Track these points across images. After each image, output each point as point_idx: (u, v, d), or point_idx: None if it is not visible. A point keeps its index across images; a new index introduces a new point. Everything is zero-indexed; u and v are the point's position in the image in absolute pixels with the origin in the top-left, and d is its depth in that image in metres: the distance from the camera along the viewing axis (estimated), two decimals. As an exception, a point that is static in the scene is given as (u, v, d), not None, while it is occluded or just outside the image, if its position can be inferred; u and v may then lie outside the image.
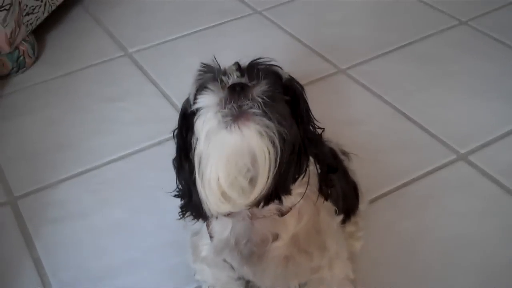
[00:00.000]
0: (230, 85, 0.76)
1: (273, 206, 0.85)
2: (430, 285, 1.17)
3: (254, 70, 0.79)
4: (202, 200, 0.79)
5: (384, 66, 1.79)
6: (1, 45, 1.72)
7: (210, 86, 0.78)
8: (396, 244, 1.26)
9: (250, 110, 0.74)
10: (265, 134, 0.73)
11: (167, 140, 1.53)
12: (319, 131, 0.89)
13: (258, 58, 0.82)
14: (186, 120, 0.81)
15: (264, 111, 0.74)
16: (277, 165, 0.75)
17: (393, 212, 1.33)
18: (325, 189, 0.90)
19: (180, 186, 0.88)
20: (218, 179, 0.76)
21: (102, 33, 2.03)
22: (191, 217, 0.89)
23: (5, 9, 1.67)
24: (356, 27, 1.99)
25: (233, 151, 0.74)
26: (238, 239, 0.91)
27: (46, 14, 1.90)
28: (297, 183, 0.84)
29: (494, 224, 1.29)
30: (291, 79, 0.84)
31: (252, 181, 0.77)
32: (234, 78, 0.78)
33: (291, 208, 0.87)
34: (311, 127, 0.87)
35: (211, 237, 0.94)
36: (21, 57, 1.80)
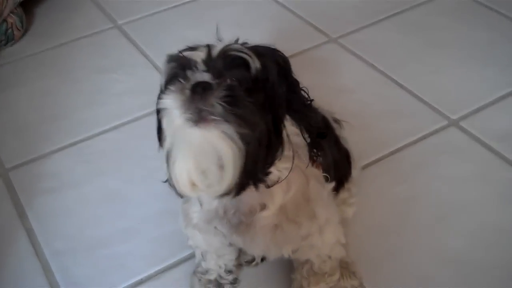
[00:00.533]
0: (193, 86, 0.75)
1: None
2: (421, 249, 1.18)
3: (221, 61, 0.78)
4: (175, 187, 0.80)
5: (376, 34, 1.79)
6: (-11, 17, 1.71)
7: (174, 84, 0.77)
8: (388, 209, 1.27)
9: (209, 116, 0.73)
10: (226, 136, 0.74)
11: (159, 110, 1.53)
12: (309, 101, 0.89)
13: (233, 43, 0.81)
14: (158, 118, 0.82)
15: (223, 116, 0.73)
16: (243, 162, 0.76)
17: (385, 178, 1.34)
18: (315, 153, 0.90)
19: None
20: (187, 173, 0.77)
21: (91, 5, 2.01)
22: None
23: (-8, -19, 1.66)
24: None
25: (198, 151, 0.75)
26: (226, 209, 0.91)
27: (34, -14, 1.88)
28: (279, 160, 0.83)
29: (486, 189, 1.30)
30: (263, 68, 0.80)
31: (220, 176, 0.77)
32: (199, 73, 0.77)
33: (278, 181, 0.87)
34: (298, 97, 0.86)
35: (201, 204, 0.95)
36: (9, 30, 1.78)
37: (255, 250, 1.04)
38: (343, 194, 1.21)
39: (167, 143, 0.78)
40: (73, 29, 1.90)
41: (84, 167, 1.41)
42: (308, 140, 0.87)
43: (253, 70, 0.78)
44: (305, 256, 1.06)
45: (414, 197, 1.29)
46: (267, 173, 0.83)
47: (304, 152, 0.89)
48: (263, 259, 1.18)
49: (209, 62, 0.78)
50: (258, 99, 0.77)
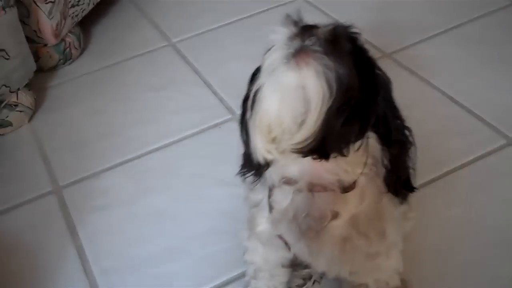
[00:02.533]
0: (302, 25, 0.75)
1: (331, 176, 0.82)
2: (474, 275, 1.13)
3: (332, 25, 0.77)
4: (250, 140, 0.78)
5: (431, 50, 1.73)
6: (48, 37, 1.75)
7: (284, 22, 0.76)
8: (442, 231, 1.22)
9: (312, 47, 0.72)
10: (322, 72, 0.71)
11: (208, 128, 1.54)
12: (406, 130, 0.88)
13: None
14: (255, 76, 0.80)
15: (325, 50, 0.72)
16: (329, 107, 0.72)
17: (440, 199, 1.29)
18: (398, 190, 0.88)
19: (242, 138, 0.84)
20: (269, 116, 0.74)
21: (146, 24, 2.04)
22: (245, 171, 0.87)
23: (51, 2, 1.70)
24: (400, 10, 1.93)
25: (289, 87, 0.72)
26: (297, 211, 0.88)
27: (91, 6, 1.92)
28: (355, 157, 0.80)
29: (546, 212, 1.23)
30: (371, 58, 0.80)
31: (302, 123, 0.73)
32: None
33: (354, 186, 0.84)
34: (394, 118, 0.84)
35: (271, 208, 0.93)
36: (68, 49, 1.83)
37: (319, 261, 0.98)
38: (402, 208, 1.17)
39: (258, 82, 0.75)
40: (129, 48, 1.93)
41: (133, 185, 1.42)
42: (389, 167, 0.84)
43: (359, 42, 0.77)
44: (364, 279, 1.02)
45: (469, 220, 1.23)
46: (342, 148, 0.77)
47: (381, 169, 0.86)
48: (314, 283, 1.15)
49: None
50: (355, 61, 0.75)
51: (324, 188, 0.84)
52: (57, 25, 1.75)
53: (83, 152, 1.55)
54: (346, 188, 0.84)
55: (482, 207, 1.25)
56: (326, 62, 0.71)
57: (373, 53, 1.71)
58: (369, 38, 1.80)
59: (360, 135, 0.77)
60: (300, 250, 0.95)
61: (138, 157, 1.50)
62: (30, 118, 1.67)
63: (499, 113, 1.48)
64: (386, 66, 1.67)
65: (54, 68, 1.84)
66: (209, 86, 1.70)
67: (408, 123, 1.45)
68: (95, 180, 1.45)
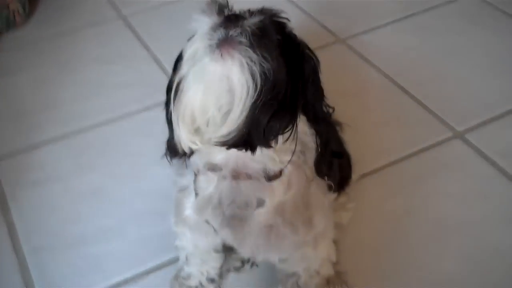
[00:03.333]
0: (227, 15, 0.72)
1: (257, 165, 0.81)
2: (412, 268, 1.12)
3: (259, 12, 0.74)
4: (174, 130, 0.76)
5: (386, 37, 1.72)
6: (-10, 1, 1.68)
7: (207, 10, 0.74)
8: (382, 223, 1.21)
9: (236, 38, 0.69)
10: (247, 66, 0.69)
11: (154, 105, 1.49)
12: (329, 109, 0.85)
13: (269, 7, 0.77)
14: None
15: (251, 42, 0.69)
16: (253, 102, 0.70)
17: (382, 189, 1.28)
18: (325, 170, 0.86)
19: (167, 122, 0.82)
20: (193, 107, 0.72)
21: (97, -7, 1.97)
22: (169, 155, 0.85)
23: (-5, -36, 1.62)
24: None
25: (212, 79, 0.70)
26: (222, 198, 0.86)
27: (39, -29, 1.85)
28: (283, 146, 0.78)
29: (487, 207, 1.23)
30: (301, 40, 0.79)
31: (226, 116, 0.72)
32: (234, 11, 0.74)
33: (280, 174, 0.83)
34: (319, 100, 0.82)
35: (196, 194, 0.90)
36: (11, 15, 1.75)
37: (244, 248, 0.97)
38: (341, 198, 1.16)
39: (181, 72, 0.73)
40: (77, 17, 1.86)
41: (72, 160, 1.37)
42: (319, 148, 0.83)
43: (286, 29, 0.75)
44: (293, 268, 1.01)
45: (410, 212, 1.22)
46: (269, 141, 0.76)
47: (310, 155, 0.85)
48: (252, 265, 1.13)
49: (248, 12, 0.75)
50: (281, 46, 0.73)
51: (249, 176, 0.82)
52: (0, -11, 1.67)
53: (21, 123, 1.48)
54: (272, 177, 0.82)
55: (423, 200, 1.25)
56: (251, 55, 0.69)
57: (326, 37, 1.71)
58: (323, 21, 1.78)
59: (289, 126, 0.75)
60: (226, 236, 0.93)
61: (78, 131, 1.45)
62: (-33, 86, 1.60)
63: (447, 105, 1.47)
64: (338, 51, 1.67)
65: (-4, 34, 1.76)
66: (158, 62, 1.65)
67: (357, 111, 1.45)
68: (32, 154, 1.40)
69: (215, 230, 0.91)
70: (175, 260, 1.12)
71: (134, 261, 1.15)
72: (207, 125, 0.73)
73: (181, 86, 0.73)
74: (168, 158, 0.85)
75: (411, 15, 1.80)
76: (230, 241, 0.95)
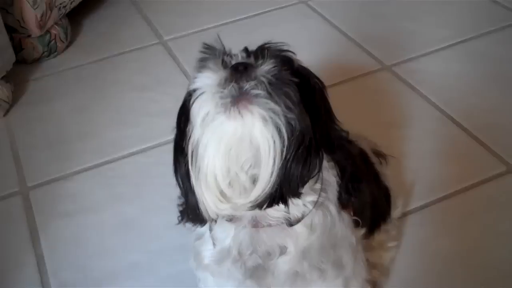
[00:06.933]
0: (233, 65, 0.66)
1: (279, 213, 0.74)
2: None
3: (262, 52, 0.69)
4: (198, 199, 0.70)
5: (434, 64, 1.63)
6: (32, 28, 1.67)
7: (210, 64, 0.68)
8: (428, 264, 1.12)
9: (253, 91, 0.64)
10: (270, 120, 0.63)
11: (191, 134, 1.44)
12: (344, 133, 0.80)
13: (269, 42, 0.71)
14: (185, 109, 0.71)
15: (269, 93, 0.64)
16: (283, 158, 0.65)
17: (429, 228, 1.19)
18: (345, 197, 0.79)
19: (179, 185, 0.77)
20: (215, 174, 0.66)
21: (139, 19, 1.95)
22: (189, 221, 0.79)
23: (36, -9, 1.62)
24: (406, 20, 1.83)
25: (232, 139, 0.64)
26: (242, 249, 0.80)
27: (81, -2, 1.84)
28: (307, 188, 0.73)
29: (545, 250, 1.13)
30: (304, 69, 0.73)
31: (254, 178, 0.67)
32: (238, 58, 0.68)
33: (301, 218, 0.76)
34: (333, 126, 0.76)
35: (214, 243, 0.84)
36: (53, 41, 1.74)
37: None
38: (380, 236, 1.09)
39: (193, 138, 0.67)
40: (118, 43, 1.84)
41: (104, 190, 1.34)
42: (339, 178, 0.77)
43: (295, 64, 0.70)
44: None
45: (460, 253, 1.13)
46: (298, 192, 0.71)
47: (332, 191, 0.79)
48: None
49: (248, 52, 0.70)
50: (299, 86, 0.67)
51: (269, 224, 0.75)
52: (42, 15, 1.66)
53: (56, 151, 1.46)
54: (294, 221, 0.76)
55: (475, 241, 1.16)
56: (272, 107, 0.63)
57: (370, 64, 1.64)
58: (369, 48, 1.71)
59: (318, 169, 0.69)
60: (250, 286, 0.86)
61: (113, 160, 1.42)
62: (6, 112, 1.58)
63: (500, 137, 1.38)
64: (383, 79, 1.60)
65: (37, 60, 1.76)
66: (196, 89, 1.61)
67: (403, 142, 1.38)
68: (65, 183, 1.37)
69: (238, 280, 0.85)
70: (204, 301, 1.06)
71: (164, 299, 1.10)
72: (234, 190, 0.67)
73: (197, 151, 0.67)
74: (184, 221, 0.80)
75: (462, 41, 1.71)
76: None
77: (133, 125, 1.52)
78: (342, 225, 0.83)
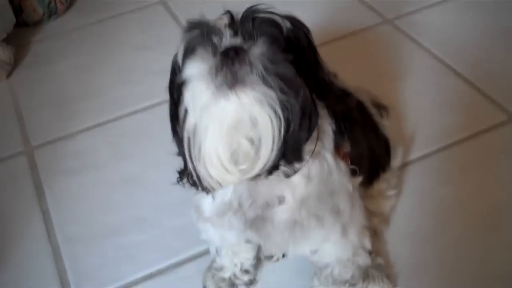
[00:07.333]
0: (223, 51, 0.66)
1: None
2: (464, 262, 1.04)
3: (249, 24, 0.69)
4: (201, 175, 0.71)
5: (436, 16, 1.62)
6: (31, -11, 1.67)
7: (199, 51, 0.68)
8: (430, 213, 1.13)
9: (247, 75, 0.64)
10: (267, 102, 0.64)
11: (192, 92, 1.44)
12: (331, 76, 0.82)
13: (253, 6, 0.71)
14: (175, 85, 0.73)
15: (264, 77, 0.64)
16: (282, 135, 0.67)
17: (431, 177, 1.20)
18: (338, 137, 0.81)
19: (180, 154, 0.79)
20: (219, 154, 0.68)
21: (138, -22, 1.94)
22: (191, 186, 0.81)
23: (35, -48, 1.61)
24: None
25: (233, 122, 0.66)
26: (242, 201, 0.82)
27: (80, -41, 1.83)
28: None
29: (547, 196, 1.13)
30: (294, 28, 0.72)
31: (257, 151, 0.68)
32: (227, 39, 0.68)
33: (298, 169, 0.77)
34: (321, 69, 0.77)
35: (213, 196, 0.85)
36: (52, 3, 1.74)
37: (271, 247, 0.94)
38: (380, 185, 1.10)
39: (189, 122, 0.68)
40: (119, 4, 1.84)
41: (108, 148, 1.35)
42: (333, 124, 0.79)
43: (284, 30, 0.70)
44: (325, 259, 0.96)
45: (461, 201, 1.14)
46: (301, 156, 0.74)
47: (328, 139, 0.80)
48: (284, 255, 1.07)
49: (235, 26, 0.69)
50: (293, 61, 0.68)
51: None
52: (41, -24, 1.66)
53: (60, 111, 1.47)
54: (290, 173, 0.76)
55: (476, 188, 1.16)
56: (267, 90, 0.64)
57: (372, 18, 1.62)
58: (369, 1, 1.69)
59: (316, 124, 0.72)
60: (250, 236, 0.88)
61: (116, 119, 1.43)
62: (9, 74, 1.59)
63: (501, 87, 1.37)
64: (385, 32, 1.58)
65: (38, 23, 1.75)
66: (197, 47, 1.61)
67: (405, 94, 1.37)
68: (69, 142, 1.38)
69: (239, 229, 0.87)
70: (209, 251, 1.08)
71: (168, 252, 1.12)
72: (240, 167, 0.69)
73: (196, 139, 0.68)
74: (181, 181, 0.82)
75: (464, -7, 1.69)
76: (256, 240, 0.91)
77: (135, 84, 1.52)
78: (339, 173, 0.84)
